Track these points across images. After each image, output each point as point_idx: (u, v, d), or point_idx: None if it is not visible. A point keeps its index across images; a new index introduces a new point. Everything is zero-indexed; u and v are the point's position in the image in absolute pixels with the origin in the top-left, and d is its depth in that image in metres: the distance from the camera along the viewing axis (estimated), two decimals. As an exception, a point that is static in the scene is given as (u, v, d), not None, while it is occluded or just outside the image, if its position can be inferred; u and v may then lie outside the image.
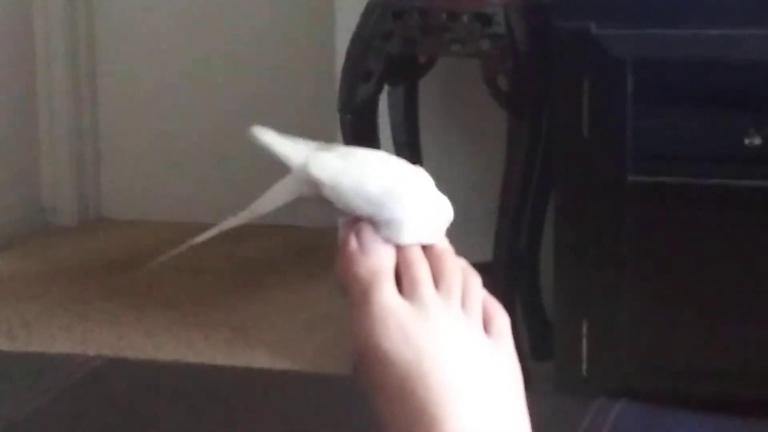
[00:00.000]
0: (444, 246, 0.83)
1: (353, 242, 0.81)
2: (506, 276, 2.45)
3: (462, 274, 0.83)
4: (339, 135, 2.55)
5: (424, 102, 2.73)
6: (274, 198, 0.84)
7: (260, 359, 2.86)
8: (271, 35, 3.89)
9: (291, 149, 0.83)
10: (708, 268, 2.24)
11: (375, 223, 0.82)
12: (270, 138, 0.83)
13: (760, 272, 2.21)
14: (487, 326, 0.82)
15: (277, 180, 0.84)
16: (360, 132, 2.50)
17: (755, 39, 2.16)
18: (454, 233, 0.86)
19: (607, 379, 2.26)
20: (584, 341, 2.27)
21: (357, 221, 0.82)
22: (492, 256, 2.46)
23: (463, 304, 0.82)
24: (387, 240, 0.82)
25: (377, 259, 0.81)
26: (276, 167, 0.86)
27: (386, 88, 2.59)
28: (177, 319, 3.04)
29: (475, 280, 0.83)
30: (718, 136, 2.22)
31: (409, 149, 2.62)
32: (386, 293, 0.80)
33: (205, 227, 0.84)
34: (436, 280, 0.81)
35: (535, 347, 2.65)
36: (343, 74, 2.50)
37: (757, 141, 2.18)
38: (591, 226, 2.27)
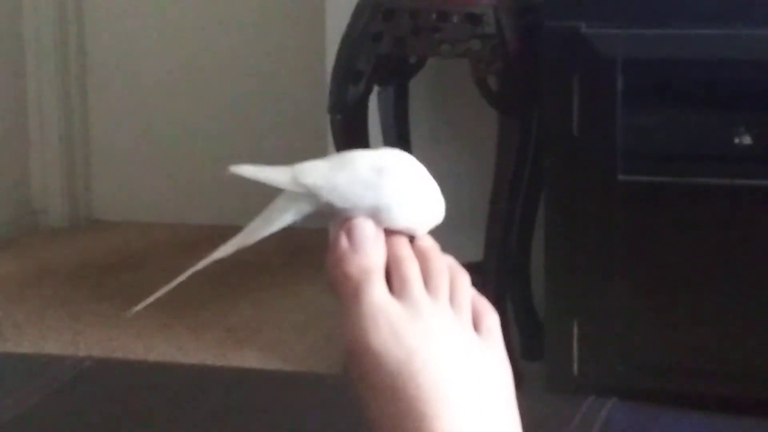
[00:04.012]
0: (430, 244, 0.84)
1: (344, 241, 0.81)
2: (497, 276, 2.45)
3: (450, 272, 0.83)
4: (329, 135, 2.55)
5: (414, 102, 2.73)
6: (270, 221, 0.84)
7: (251, 360, 2.86)
8: (261, 36, 3.89)
9: (273, 172, 0.83)
10: (698, 268, 2.25)
11: (374, 213, 0.82)
12: (248, 170, 0.83)
13: (751, 271, 2.22)
14: (476, 325, 0.82)
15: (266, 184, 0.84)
16: (350, 132, 2.50)
17: (745, 38, 2.17)
18: (444, 233, 0.86)
19: (597, 379, 2.26)
20: (575, 341, 2.27)
21: (348, 220, 0.82)
22: (483, 256, 2.46)
23: (452, 302, 0.82)
24: (388, 226, 0.82)
25: (368, 258, 0.81)
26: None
27: (376, 88, 2.59)
28: (168, 320, 3.04)
29: (464, 278, 0.83)
30: (708, 136, 2.22)
31: (399, 149, 2.61)
32: (376, 292, 0.80)
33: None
34: (425, 278, 0.81)
35: (526, 347, 2.65)
36: (333, 75, 2.50)
37: (747, 140, 2.18)
38: (581, 225, 2.27)
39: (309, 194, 0.82)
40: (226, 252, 0.85)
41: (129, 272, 3.48)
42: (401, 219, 0.82)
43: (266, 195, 0.86)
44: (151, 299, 0.87)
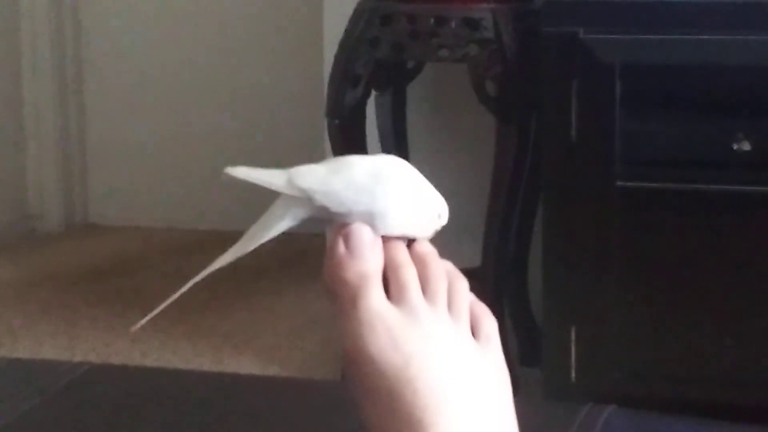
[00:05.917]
0: (428, 249, 0.83)
1: (341, 246, 0.81)
2: (495, 282, 2.45)
3: (448, 277, 0.82)
4: (326, 140, 2.55)
5: (411, 107, 2.73)
6: (268, 227, 0.83)
7: (248, 365, 2.85)
8: (259, 41, 3.89)
9: (269, 175, 0.82)
10: (696, 274, 2.24)
11: (369, 219, 0.81)
12: (244, 172, 0.82)
13: (748, 278, 2.21)
14: (474, 330, 0.82)
15: (262, 188, 0.83)
16: (347, 137, 2.50)
17: (743, 44, 2.16)
18: (442, 239, 0.85)
19: (595, 385, 2.26)
20: (573, 347, 2.27)
21: (345, 225, 0.82)
22: (480, 262, 2.46)
23: (450, 308, 0.81)
24: (383, 233, 0.81)
25: (365, 263, 0.80)
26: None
27: (374, 93, 2.59)
28: (164, 326, 3.03)
29: (462, 284, 0.83)
30: (707, 142, 2.22)
31: (397, 154, 2.61)
32: (374, 298, 0.80)
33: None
34: (423, 284, 0.81)
35: (524, 353, 2.65)
36: (330, 79, 2.49)
37: (746, 146, 2.18)
38: (579, 231, 2.27)
39: (304, 198, 0.82)
40: (226, 260, 0.85)
41: (125, 277, 3.47)
42: (396, 226, 0.82)
43: (264, 199, 0.85)
44: (154, 312, 0.87)
